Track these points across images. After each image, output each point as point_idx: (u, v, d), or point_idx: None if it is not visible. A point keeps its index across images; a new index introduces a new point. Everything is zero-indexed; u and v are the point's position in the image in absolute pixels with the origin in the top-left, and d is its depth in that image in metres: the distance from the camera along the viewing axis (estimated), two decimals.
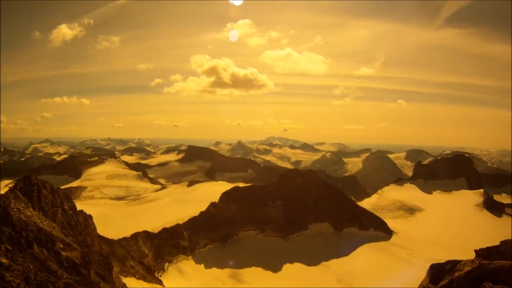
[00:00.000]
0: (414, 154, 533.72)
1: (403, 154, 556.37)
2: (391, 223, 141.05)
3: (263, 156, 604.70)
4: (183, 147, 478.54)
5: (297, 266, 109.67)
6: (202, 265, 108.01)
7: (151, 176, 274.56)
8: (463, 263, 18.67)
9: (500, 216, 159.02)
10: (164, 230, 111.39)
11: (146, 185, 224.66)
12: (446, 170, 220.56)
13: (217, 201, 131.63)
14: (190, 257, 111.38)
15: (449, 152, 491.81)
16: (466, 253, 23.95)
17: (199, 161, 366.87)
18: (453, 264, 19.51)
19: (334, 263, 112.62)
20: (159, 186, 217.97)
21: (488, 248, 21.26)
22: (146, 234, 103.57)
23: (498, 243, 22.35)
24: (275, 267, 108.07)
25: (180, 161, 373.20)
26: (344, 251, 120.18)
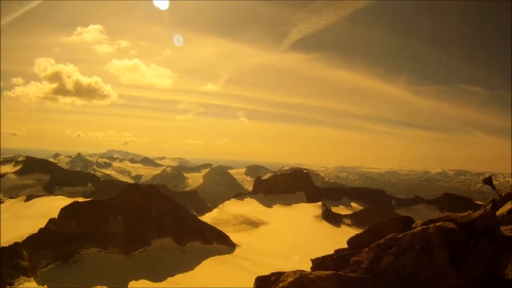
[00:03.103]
0: (254, 170, 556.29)
1: (243, 170, 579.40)
2: (233, 237, 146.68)
3: (103, 170, 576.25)
4: (21, 158, 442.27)
5: (143, 283, 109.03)
6: (45, 287, 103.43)
7: None
8: (286, 274, 21.11)
9: (338, 226, 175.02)
10: (2, 249, 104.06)
11: None
12: (285, 185, 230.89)
13: (56, 217, 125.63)
14: (32, 278, 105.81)
15: (288, 168, 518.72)
16: (306, 262, 26.99)
17: (38, 173, 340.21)
18: (277, 276, 21.55)
19: (180, 277, 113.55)
20: None
21: (323, 257, 23.58)
22: None
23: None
24: (121, 285, 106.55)
25: (17, 173, 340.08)
26: (188, 265, 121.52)
